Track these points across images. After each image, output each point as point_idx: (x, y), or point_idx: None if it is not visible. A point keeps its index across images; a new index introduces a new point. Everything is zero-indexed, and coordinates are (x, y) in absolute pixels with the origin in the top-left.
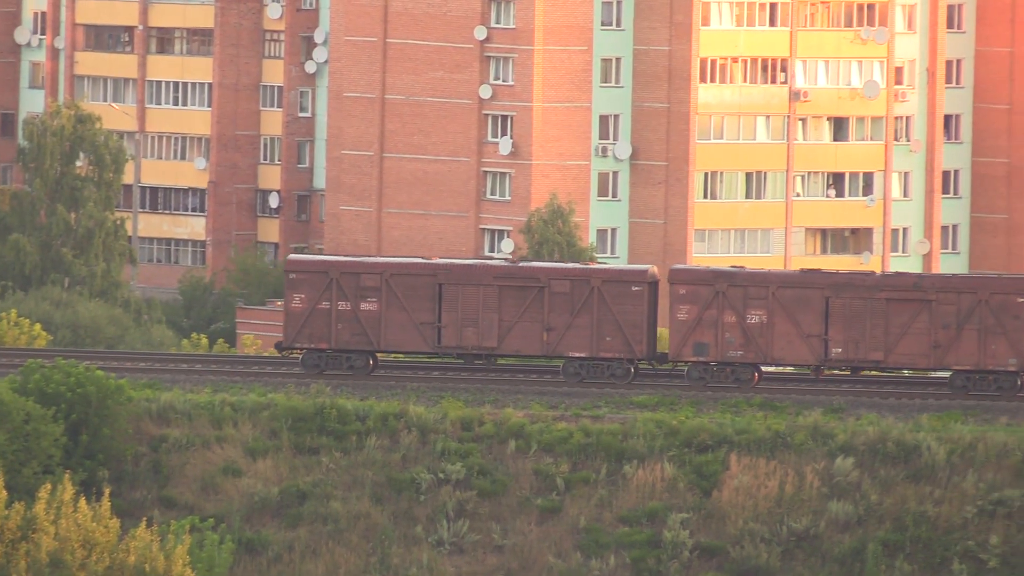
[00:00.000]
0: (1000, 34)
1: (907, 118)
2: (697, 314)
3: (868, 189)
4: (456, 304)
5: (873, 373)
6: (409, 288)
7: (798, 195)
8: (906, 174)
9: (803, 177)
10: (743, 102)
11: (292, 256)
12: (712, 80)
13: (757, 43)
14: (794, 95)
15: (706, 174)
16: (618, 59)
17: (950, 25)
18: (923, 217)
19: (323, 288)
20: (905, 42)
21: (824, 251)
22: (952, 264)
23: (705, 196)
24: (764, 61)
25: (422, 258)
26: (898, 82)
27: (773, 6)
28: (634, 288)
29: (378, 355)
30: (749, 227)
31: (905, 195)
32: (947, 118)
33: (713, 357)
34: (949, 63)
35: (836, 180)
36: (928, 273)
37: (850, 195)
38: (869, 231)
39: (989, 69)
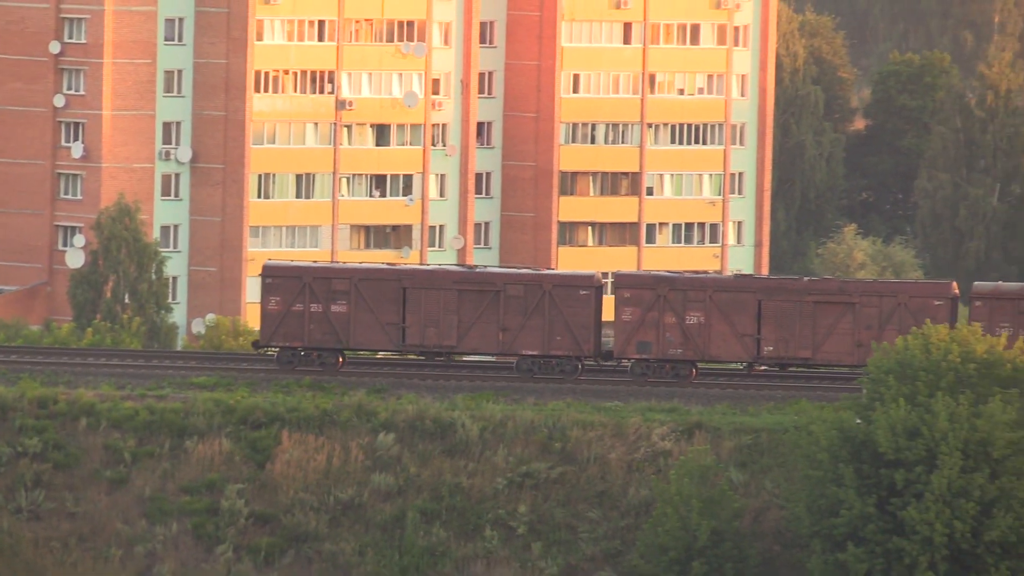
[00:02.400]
0: (528, 49)
1: (443, 125)
2: (640, 315)
3: (408, 190)
4: (419, 306)
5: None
6: (376, 291)
7: (344, 195)
8: (442, 176)
9: (349, 179)
10: (294, 110)
11: (268, 262)
12: (266, 90)
13: (307, 57)
14: (340, 104)
15: (260, 176)
16: (180, 71)
17: (483, 40)
18: (458, 215)
19: (297, 291)
20: (442, 56)
21: (368, 246)
22: (484, 258)
23: (259, 196)
24: (313, 73)
25: (388, 264)
26: (435, 92)
27: (321, 23)
28: (582, 292)
29: (347, 353)
30: (299, 224)
31: (442, 195)
32: (480, 125)
33: (655, 354)
34: (482, 75)
35: (379, 181)
36: (853, 279)
37: (391, 195)
38: (409, 228)
39: (518, 81)
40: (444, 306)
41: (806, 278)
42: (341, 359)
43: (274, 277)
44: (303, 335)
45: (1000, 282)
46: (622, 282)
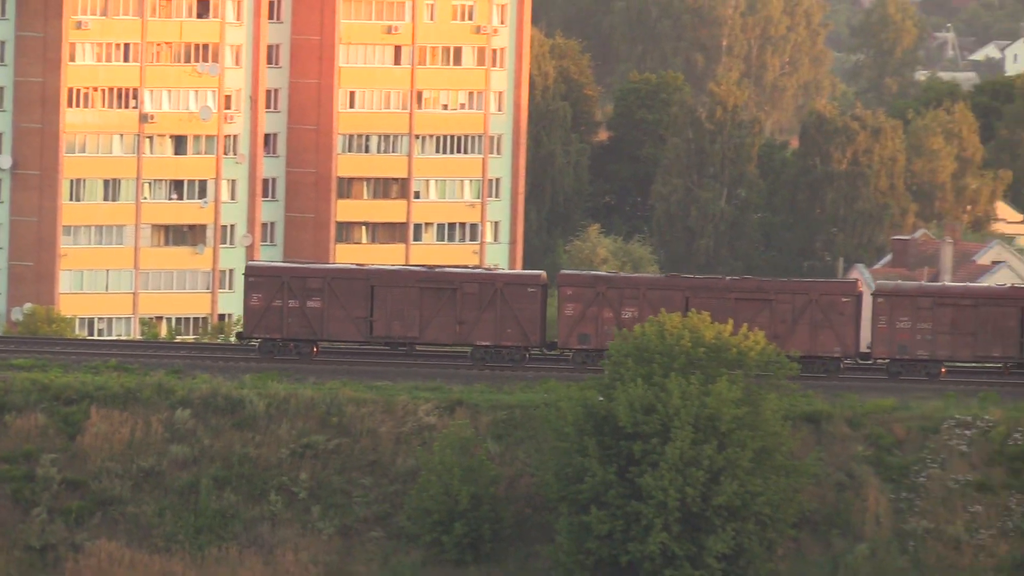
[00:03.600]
0: (310, 69)
1: (235, 136)
2: (581, 310)
3: (203, 193)
4: (385, 302)
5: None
6: (347, 289)
7: (146, 198)
8: (233, 181)
9: (150, 184)
10: (102, 123)
11: (251, 263)
12: (78, 105)
13: (114, 76)
14: (143, 118)
15: (72, 181)
16: (1, 88)
17: (270, 61)
18: (247, 216)
19: (277, 289)
20: (233, 75)
21: (167, 243)
22: (270, 254)
23: (71, 199)
24: (119, 90)
25: (357, 264)
26: (227, 107)
27: (127, 46)
28: (530, 289)
29: (321, 343)
30: (107, 223)
31: (233, 198)
32: (267, 136)
33: (594, 345)
34: (269, 92)
35: (177, 186)
36: (770, 278)
37: (188, 198)
38: (204, 227)
39: (301, 97)
40: (407, 302)
41: (728, 277)
42: (316, 348)
43: (256, 276)
44: (282, 328)
45: (900, 281)
46: (565, 281)
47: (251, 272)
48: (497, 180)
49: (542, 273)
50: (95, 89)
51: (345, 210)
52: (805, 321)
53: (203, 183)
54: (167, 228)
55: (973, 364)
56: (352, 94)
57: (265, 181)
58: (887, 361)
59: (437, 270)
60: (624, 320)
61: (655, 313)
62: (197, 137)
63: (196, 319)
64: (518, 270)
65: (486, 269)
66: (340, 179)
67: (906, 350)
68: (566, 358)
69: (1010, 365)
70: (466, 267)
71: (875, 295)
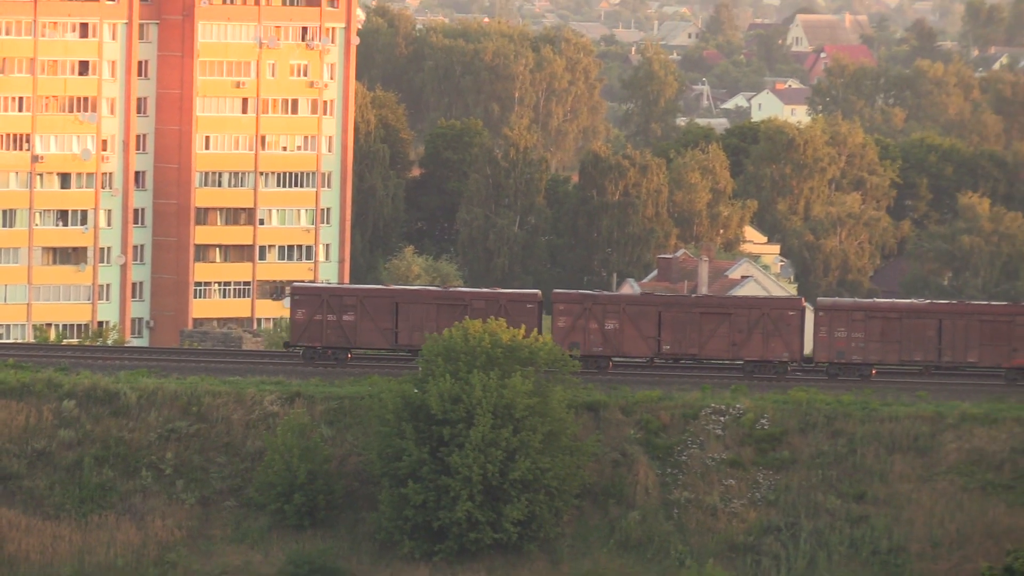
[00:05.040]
0: (172, 117)
1: (110, 173)
2: (571, 323)
3: (84, 221)
4: (408, 316)
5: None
6: (376, 305)
7: (37, 225)
8: (109, 211)
9: (41, 213)
10: (0, 163)
11: (295, 284)
12: None
13: (9, 124)
14: (34, 158)
15: None
16: None
17: (139, 111)
18: (121, 239)
19: (317, 306)
20: (109, 122)
21: (55, 263)
22: (140, 272)
23: None
24: (14, 135)
25: (384, 285)
26: (104, 149)
27: (21, 98)
28: (528, 305)
29: (354, 350)
30: (4, 247)
31: (109, 225)
32: (137, 173)
33: (582, 351)
34: (139, 136)
35: (63, 215)
36: (730, 296)
37: (72, 225)
38: (85, 249)
39: (165, 140)
40: (426, 316)
41: (693, 294)
42: (349, 355)
43: (300, 295)
44: (321, 337)
45: (837, 298)
46: (558, 298)
47: (296, 292)
48: (328, 209)
49: (538, 292)
50: None
51: (202, 234)
52: (758, 331)
53: (84, 212)
54: (55, 250)
55: (899, 366)
56: (208, 138)
57: (136, 211)
58: (827, 364)
59: (451, 289)
60: (607, 331)
61: (633, 324)
62: (79, 174)
63: (79, 325)
64: (518, 289)
65: (492, 289)
66: (198, 209)
67: (843, 355)
68: None
69: (929, 367)
70: (476, 287)
71: (817, 309)
